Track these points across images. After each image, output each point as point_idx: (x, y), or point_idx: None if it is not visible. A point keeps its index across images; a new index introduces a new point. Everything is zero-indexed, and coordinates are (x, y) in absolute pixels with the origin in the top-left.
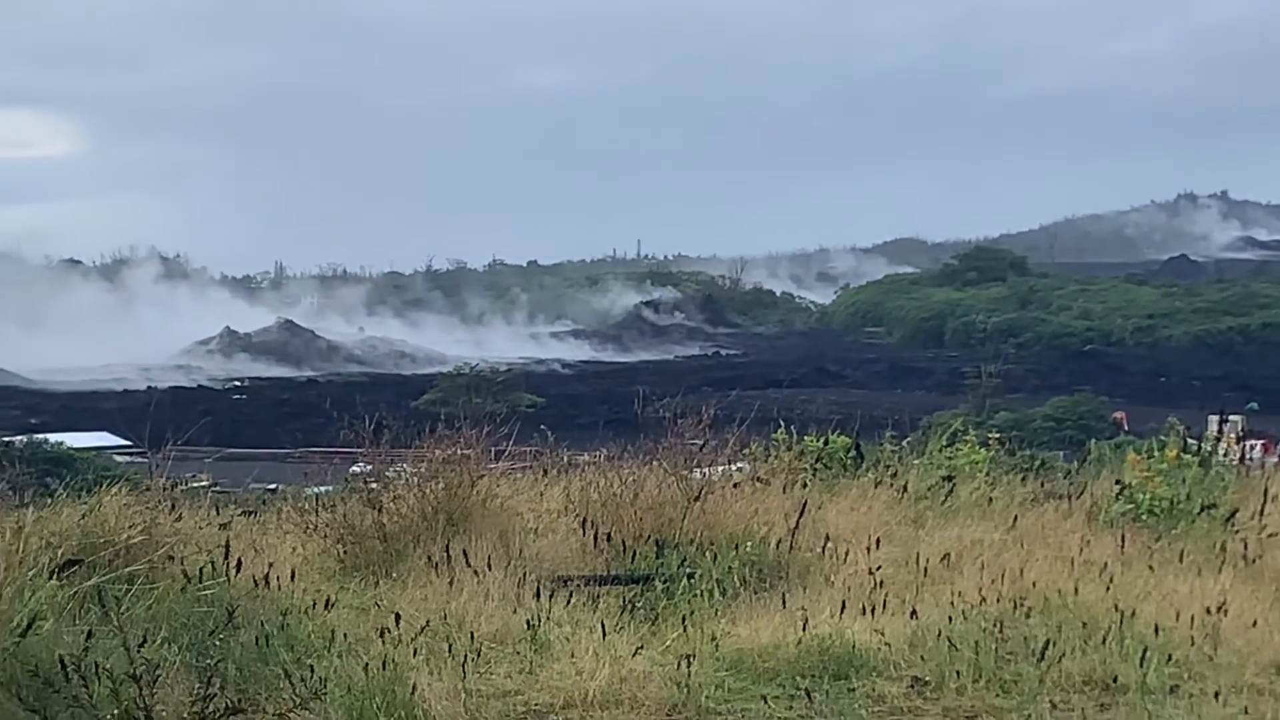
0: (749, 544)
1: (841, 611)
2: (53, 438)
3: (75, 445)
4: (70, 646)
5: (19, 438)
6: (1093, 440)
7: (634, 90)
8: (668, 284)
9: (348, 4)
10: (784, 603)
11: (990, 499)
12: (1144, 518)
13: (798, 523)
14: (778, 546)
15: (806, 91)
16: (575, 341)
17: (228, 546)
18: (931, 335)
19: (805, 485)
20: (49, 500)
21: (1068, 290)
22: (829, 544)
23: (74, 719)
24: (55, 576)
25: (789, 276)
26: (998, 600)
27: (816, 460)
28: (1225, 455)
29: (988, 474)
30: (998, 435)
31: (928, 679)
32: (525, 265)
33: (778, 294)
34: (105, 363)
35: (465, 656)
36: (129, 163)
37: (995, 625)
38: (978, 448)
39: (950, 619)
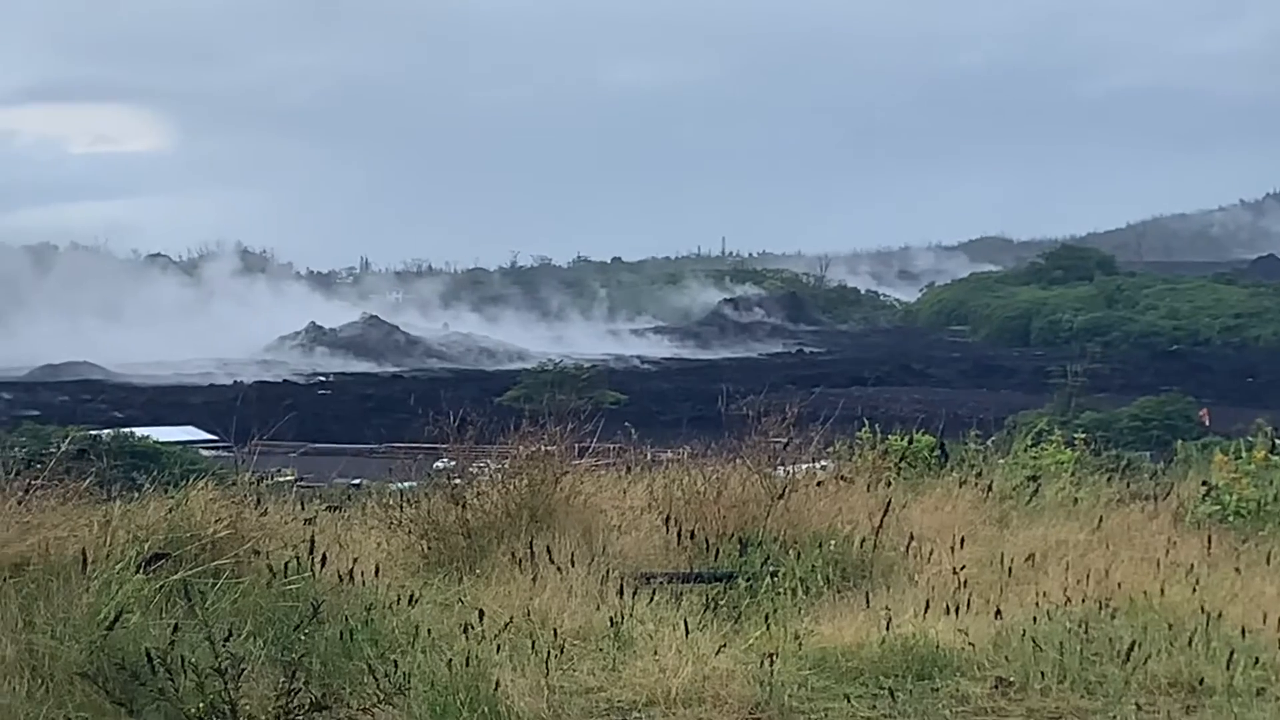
0: (833, 542)
1: (925, 611)
2: (139, 431)
3: (161, 439)
4: (156, 640)
5: (106, 431)
6: (1179, 441)
7: (718, 87)
8: (749, 281)
9: (432, 0)
10: (867, 602)
11: (1076, 499)
12: (1231, 519)
13: (881, 522)
14: (861, 545)
15: (891, 89)
16: (656, 338)
17: (313, 541)
18: (1017, 334)
19: (889, 484)
20: (136, 494)
21: (1155, 289)
22: (913, 543)
23: (160, 712)
24: (142, 570)
25: (869, 274)
26: (1083, 601)
27: (901, 459)
28: None
29: (1073, 474)
30: (1083, 435)
31: (1012, 679)
32: (609, 262)
33: (862, 292)
34: (190, 357)
35: (548, 653)
36: (214, 158)
37: (1080, 626)
38: (1063, 447)
39: (1035, 619)
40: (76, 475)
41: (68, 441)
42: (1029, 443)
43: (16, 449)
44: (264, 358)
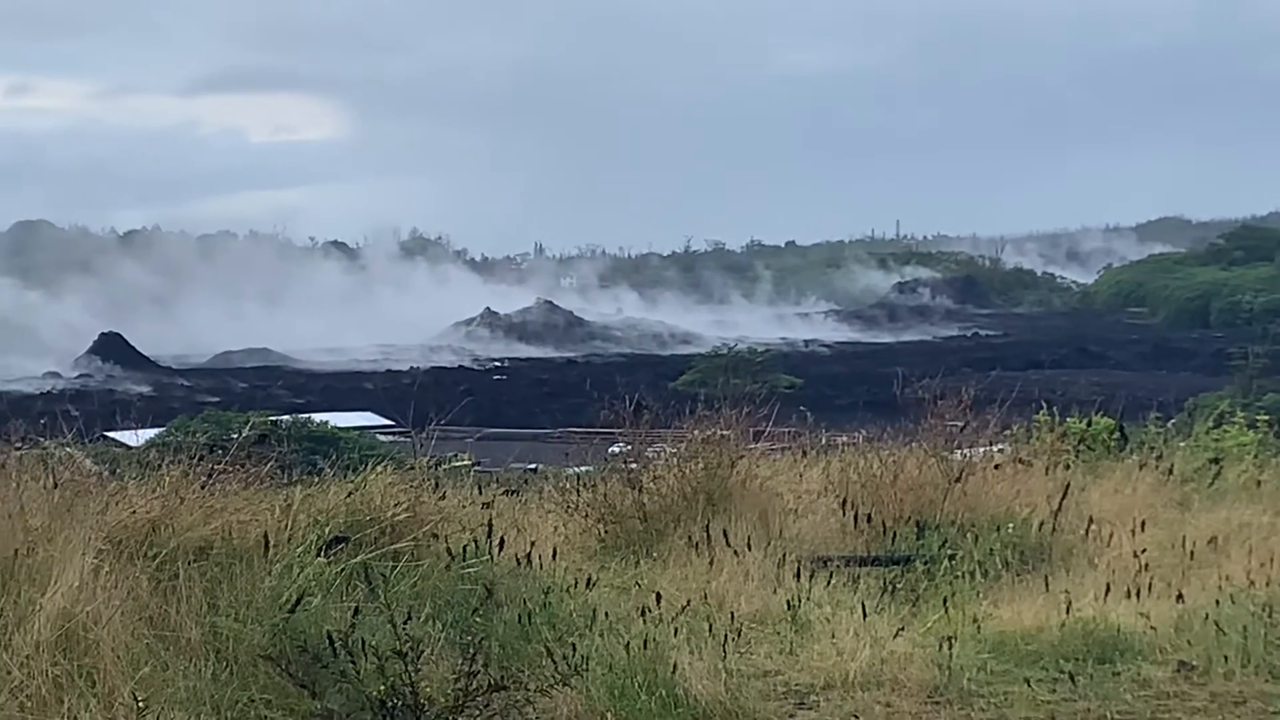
0: (1010, 526)
1: (1105, 594)
2: (318, 417)
3: (340, 424)
4: (337, 622)
5: (286, 417)
6: None
7: (892, 68)
8: (912, 262)
9: None
10: (1046, 585)
11: (1259, 481)
12: None
13: (1060, 504)
14: (1040, 528)
15: (1064, 68)
16: (826, 321)
17: (490, 525)
18: (1196, 315)
19: (1068, 467)
20: (316, 479)
21: None
22: (1092, 526)
23: (341, 693)
24: (322, 553)
25: (1038, 255)
26: (1267, 584)
27: (1079, 442)
28: None
29: (1256, 456)
30: (1265, 417)
31: (1195, 663)
32: (783, 246)
33: (1038, 274)
34: (367, 343)
35: (725, 636)
36: (391, 145)
37: (1264, 610)
38: (1245, 429)
39: (1218, 603)
40: (257, 460)
41: (248, 427)
42: (1210, 425)
43: (199, 435)
44: (440, 343)
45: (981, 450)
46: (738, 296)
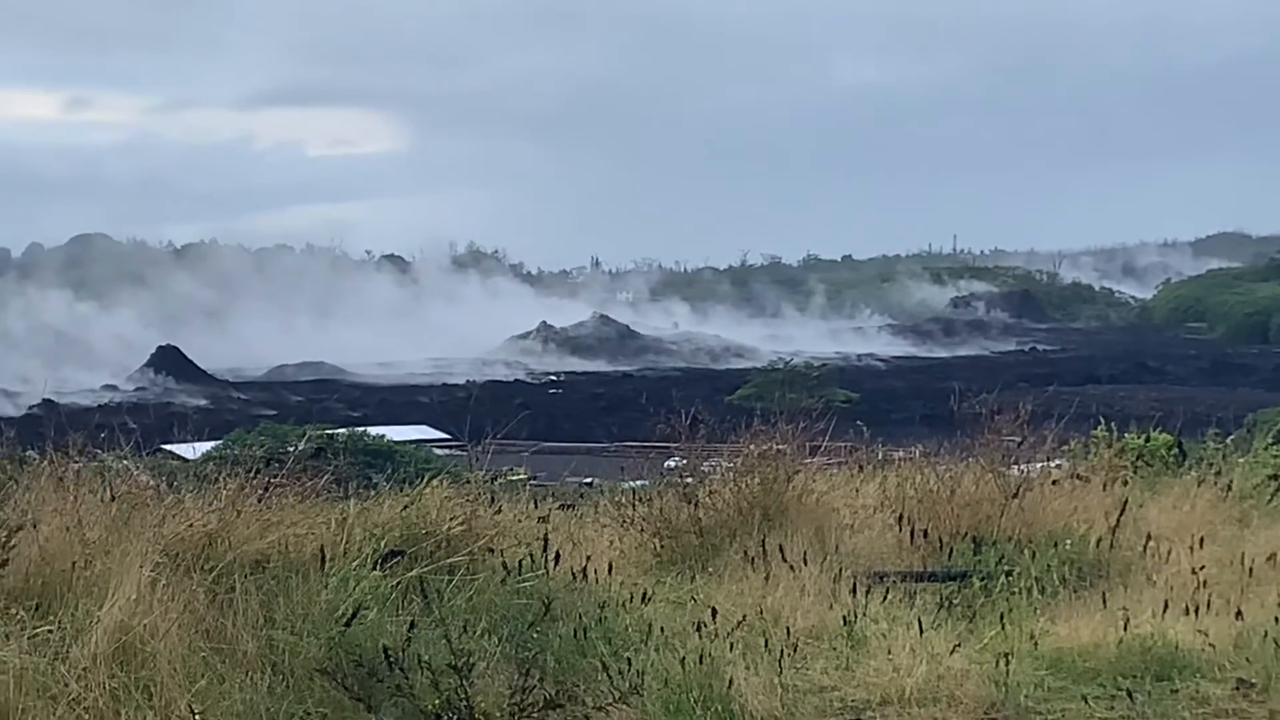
0: (1068, 542)
1: (1164, 611)
2: (374, 430)
3: (396, 438)
4: (393, 636)
5: (342, 430)
6: None
7: (950, 83)
8: (967, 276)
9: (665, 1)
10: (1104, 602)
11: None
12: None
13: (1118, 521)
14: (1098, 545)
15: (1125, 83)
16: (881, 335)
17: (546, 539)
18: (1256, 331)
19: (1126, 483)
20: (371, 492)
21: None
22: (1150, 543)
23: (397, 707)
24: (378, 567)
25: (1093, 270)
26: None
27: (1137, 458)
28: None
29: None
30: None
31: (1254, 681)
32: (839, 260)
33: (1096, 289)
34: (422, 356)
35: (781, 651)
36: (448, 160)
37: None
38: None
39: (1277, 620)
40: (314, 473)
41: (305, 440)
42: (1270, 441)
43: (255, 448)
44: (495, 357)
45: (1039, 466)
46: (791, 310)
